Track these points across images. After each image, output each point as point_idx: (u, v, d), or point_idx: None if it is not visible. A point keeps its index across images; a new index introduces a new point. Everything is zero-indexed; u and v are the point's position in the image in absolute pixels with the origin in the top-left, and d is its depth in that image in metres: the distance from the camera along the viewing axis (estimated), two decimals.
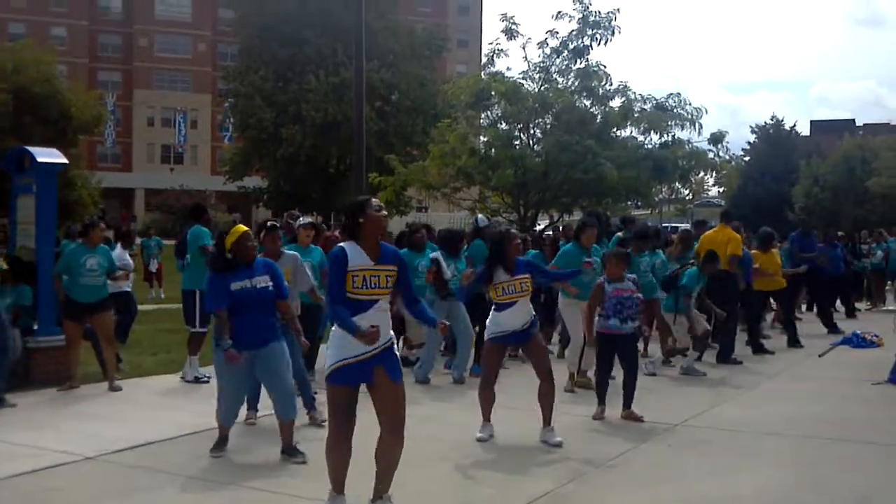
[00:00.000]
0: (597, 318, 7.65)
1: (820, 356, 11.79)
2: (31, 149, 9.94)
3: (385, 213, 4.93)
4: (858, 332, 12.97)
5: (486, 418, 6.91)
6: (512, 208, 18.89)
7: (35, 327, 9.09)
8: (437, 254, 9.80)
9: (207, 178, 58.76)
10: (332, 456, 4.89)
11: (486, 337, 6.95)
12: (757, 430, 7.36)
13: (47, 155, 9.86)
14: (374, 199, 4.98)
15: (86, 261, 8.82)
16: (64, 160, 10.30)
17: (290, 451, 6.16)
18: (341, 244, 4.86)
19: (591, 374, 8.77)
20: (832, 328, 14.12)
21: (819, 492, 5.68)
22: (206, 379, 8.77)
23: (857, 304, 18.82)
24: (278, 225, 7.76)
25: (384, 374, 4.81)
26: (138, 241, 20.24)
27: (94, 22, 65.86)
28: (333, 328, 4.85)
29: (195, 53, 67.35)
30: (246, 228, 6.23)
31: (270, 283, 6.18)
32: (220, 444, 6.35)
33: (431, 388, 9.10)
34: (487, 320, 6.98)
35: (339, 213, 34.77)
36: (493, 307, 6.90)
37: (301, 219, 9.36)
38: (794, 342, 12.61)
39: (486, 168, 17.63)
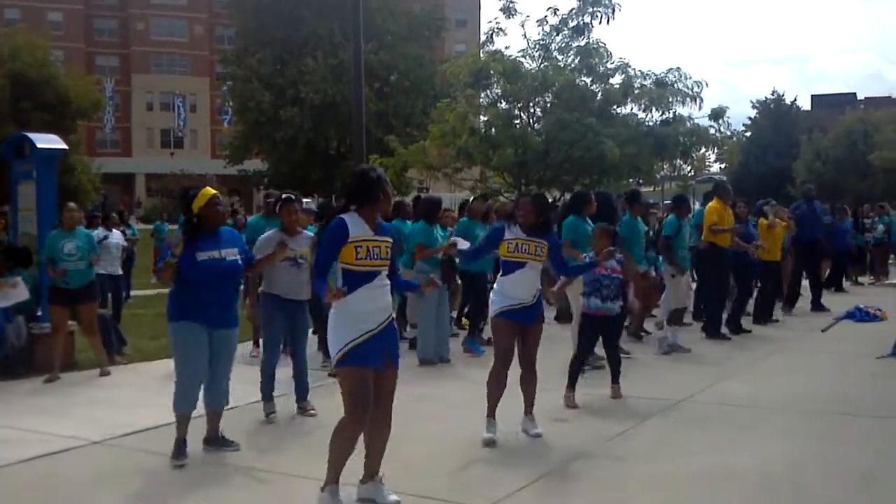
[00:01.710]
0: (590, 300, 7.44)
1: (823, 331, 11.80)
2: (30, 135, 9.94)
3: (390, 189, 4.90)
4: (861, 305, 12.98)
5: (492, 413, 6.20)
6: (513, 188, 18.82)
7: (38, 314, 9.11)
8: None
9: (208, 162, 58.67)
10: (341, 446, 4.69)
11: (492, 312, 6.29)
12: (760, 405, 7.38)
13: (47, 141, 9.86)
14: (381, 171, 4.92)
15: (63, 245, 8.64)
16: (63, 146, 10.31)
17: (220, 442, 5.91)
18: (341, 216, 4.73)
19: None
20: (818, 305, 13.75)
21: (824, 467, 5.69)
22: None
23: (859, 279, 18.87)
24: (294, 197, 7.24)
25: (390, 361, 4.77)
26: (147, 226, 20.27)
27: (89, 6, 65.57)
28: (332, 312, 4.72)
29: (192, 36, 67.09)
30: (215, 191, 5.82)
31: (239, 257, 5.81)
32: (181, 447, 5.69)
33: (435, 367, 9.13)
34: (492, 292, 6.49)
35: (340, 194, 34.79)
36: (499, 273, 6.42)
37: (306, 202, 9.22)
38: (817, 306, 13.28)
39: (487, 148, 17.54)
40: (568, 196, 19.62)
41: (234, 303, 5.96)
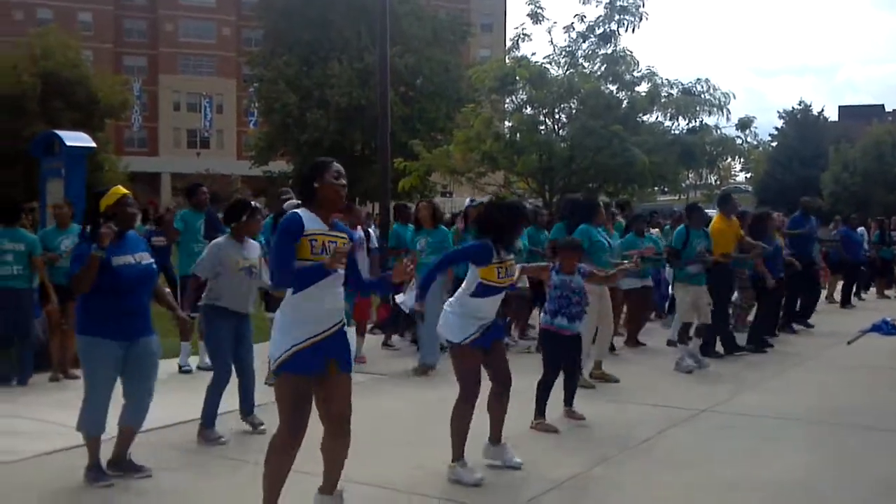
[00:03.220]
0: (546, 315, 6.86)
1: (849, 343, 11.65)
2: (59, 133, 10.06)
3: (344, 182, 4.45)
4: (889, 318, 12.81)
5: (461, 454, 5.44)
6: (537, 193, 18.80)
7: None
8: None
9: (233, 163, 59.04)
10: (279, 461, 4.32)
11: (456, 338, 5.48)
12: (782, 416, 7.32)
13: (76, 139, 10.01)
14: (335, 165, 4.48)
15: (60, 242, 8.51)
16: (92, 144, 10.45)
17: (129, 466, 5.42)
18: (296, 210, 4.44)
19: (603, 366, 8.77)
20: (788, 326, 12.75)
21: (843, 477, 5.65)
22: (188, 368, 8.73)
23: (885, 291, 18.67)
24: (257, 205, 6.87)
25: (336, 365, 4.38)
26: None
27: (119, 7, 66.25)
28: (278, 314, 4.39)
29: (220, 38, 67.58)
30: (126, 191, 5.33)
31: (153, 261, 5.42)
32: (98, 470, 5.28)
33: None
34: (449, 313, 5.57)
35: (364, 197, 34.91)
36: (469, 294, 5.54)
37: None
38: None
39: (512, 153, 17.54)
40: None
41: (150, 310, 5.47)
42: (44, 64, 27.28)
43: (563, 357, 6.88)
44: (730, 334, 10.67)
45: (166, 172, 62.67)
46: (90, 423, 5.24)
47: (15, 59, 27.98)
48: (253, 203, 6.79)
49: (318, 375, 4.31)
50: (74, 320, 7.15)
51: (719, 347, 10.40)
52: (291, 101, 37.03)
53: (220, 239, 6.53)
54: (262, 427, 6.40)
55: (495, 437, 5.73)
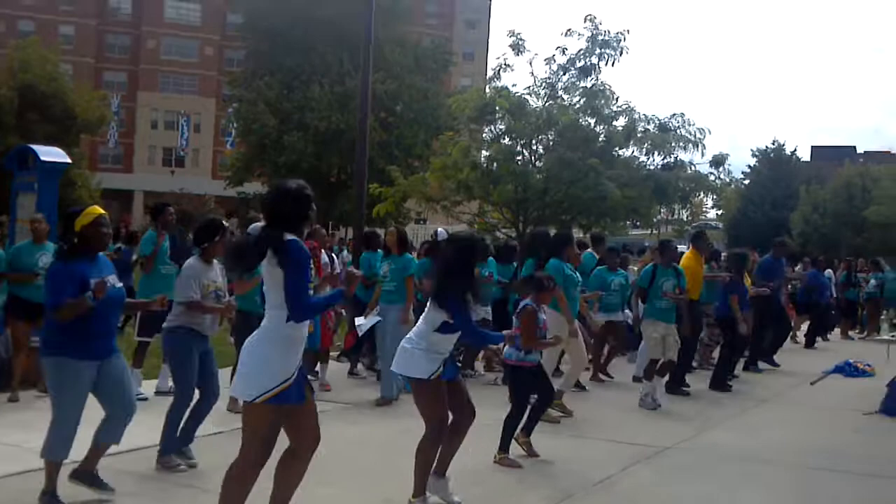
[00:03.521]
0: (512, 350, 6.73)
1: (812, 384, 11.80)
2: (34, 147, 10.00)
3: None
4: (851, 360, 12.98)
5: (423, 490, 5.41)
6: (511, 224, 18.89)
7: None
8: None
9: (208, 182, 58.73)
10: (239, 490, 4.29)
11: (421, 373, 5.37)
12: (746, 456, 7.35)
13: (51, 154, 9.94)
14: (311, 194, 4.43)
15: (38, 258, 8.22)
16: (67, 159, 10.38)
17: (94, 481, 5.35)
18: (294, 237, 4.28)
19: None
20: (752, 364, 12.75)
21: None
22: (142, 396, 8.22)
23: (849, 333, 18.90)
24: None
25: (308, 391, 4.43)
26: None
27: (102, 22, 66.05)
28: (258, 343, 4.29)
29: (202, 57, 67.50)
30: (103, 212, 5.28)
31: (120, 283, 5.42)
32: (52, 496, 5.14)
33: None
34: (411, 348, 5.45)
35: (339, 222, 34.86)
36: (433, 329, 5.43)
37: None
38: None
39: (487, 182, 17.61)
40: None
41: (116, 327, 5.52)
42: (22, 76, 27.13)
43: (531, 389, 6.86)
44: (682, 372, 10.49)
45: (140, 190, 62.24)
46: (57, 448, 5.14)
47: None
48: (225, 224, 6.74)
49: (298, 403, 4.29)
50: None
51: (687, 385, 10.46)
52: (270, 122, 37.01)
53: (191, 261, 6.42)
54: (194, 462, 6.22)
55: (441, 470, 5.55)
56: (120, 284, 5.35)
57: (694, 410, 9.44)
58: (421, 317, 5.60)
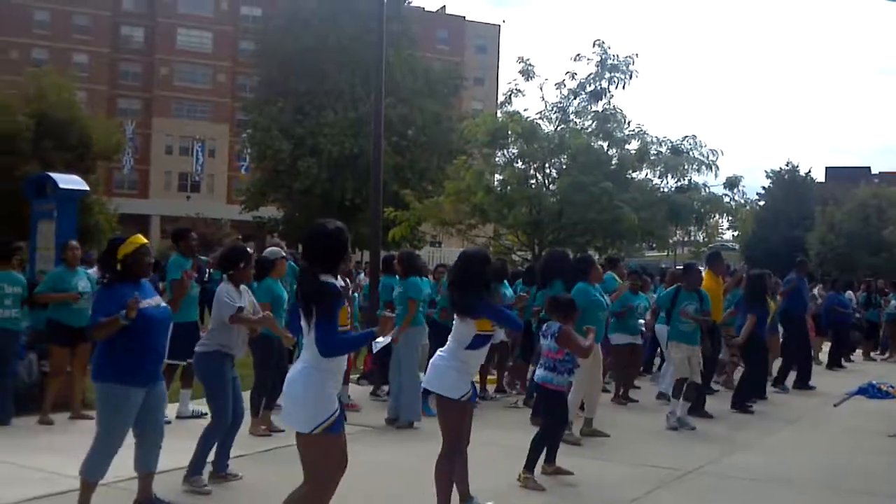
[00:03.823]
0: (547, 373, 6.82)
1: (835, 405, 11.68)
2: (53, 175, 10.07)
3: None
4: (875, 381, 12.86)
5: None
6: (526, 247, 18.90)
7: None
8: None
9: (223, 207, 59.05)
10: None
11: (452, 393, 5.44)
12: (770, 479, 7.28)
13: (69, 182, 10.00)
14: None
15: (76, 283, 8.48)
16: (85, 187, 10.44)
17: (155, 502, 5.58)
18: (329, 279, 4.49)
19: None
20: (780, 383, 12.85)
21: None
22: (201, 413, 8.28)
23: (871, 354, 18.74)
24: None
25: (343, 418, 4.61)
26: None
27: (115, 50, 66.73)
28: (313, 369, 4.41)
29: (215, 84, 68.07)
30: (145, 241, 5.50)
31: (165, 304, 5.59)
32: None
33: None
34: (443, 367, 5.50)
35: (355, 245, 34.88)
36: (465, 347, 5.49)
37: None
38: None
39: (502, 206, 17.67)
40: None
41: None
42: (38, 104, 27.36)
43: (565, 412, 7.00)
44: (703, 394, 10.39)
45: (156, 215, 62.62)
46: (96, 469, 5.26)
47: (9, 99, 28.09)
48: (250, 250, 6.91)
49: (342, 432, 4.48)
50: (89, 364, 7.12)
51: (709, 408, 10.37)
52: (284, 148, 37.20)
53: (222, 284, 6.53)
54: (240, 476, 6.39)
55: (465, 492, 5.68)
56: (165, 305, 5.49)
57: (717, 433, 9.35)
58: (450, 336, 5.62)
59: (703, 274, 10.87)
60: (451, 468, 5.49)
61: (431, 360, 5.68)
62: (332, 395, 4.42)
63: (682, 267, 11.41)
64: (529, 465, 6.64)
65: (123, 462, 6.56)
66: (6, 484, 6.12)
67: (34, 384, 8.76)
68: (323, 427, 4.34)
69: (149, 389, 5.32)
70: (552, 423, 6.87)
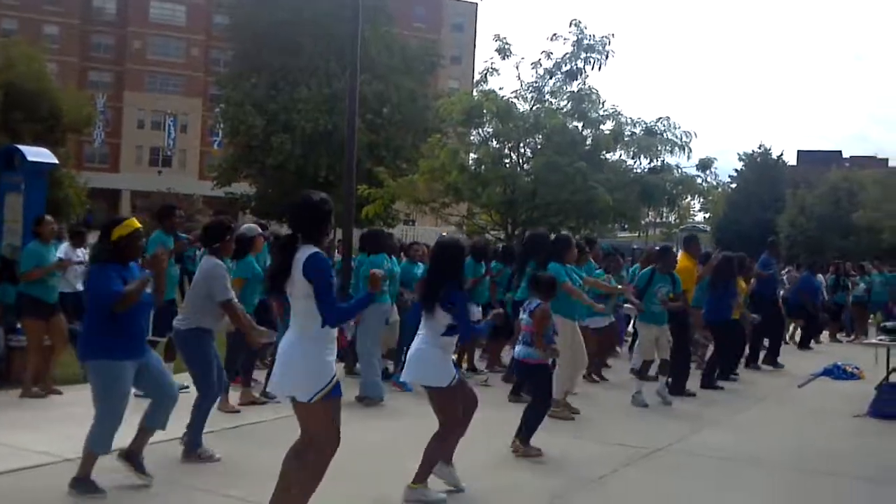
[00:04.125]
0: (525, 348, 6.97)
1: (800, 386, 11.85)
2: (21, 147, 9.92)
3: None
4: (840, 363, 13.05)
5: (425, 479, 5.64)
6: (500, 226, 18.92)
7: (18, 326, 9.02)
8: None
9: (195, 183, 58.54)
10: (317, 480, 4.61)
11: (445, 384, 5.63)
12: (735, 457, 7.38)
13: (38, 154, 9.85)
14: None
15: (52, 258, 8.56)
16: (54, 160, 10.29)
17: (138, 464, 5.67)
18: (318, 250, 4.58)
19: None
20: (753, 362, 13.28)
21: None
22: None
23: (837, 336, 19.01)
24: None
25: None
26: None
27: (87, 21, 65.70)
28: (298, 345, 4.54)
29: (188, 57, 67.28)
30: (139, 225, 5.64)
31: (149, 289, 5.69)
32: (88, 482, 5.42)
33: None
34: (432, 355, 5.67)
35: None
36: (441, 334, 5.67)
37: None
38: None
39: (476, 185, 17.66)
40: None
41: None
42: (6, 75, 26.93)
43: (549, 384, 7.15)
44: (684, 376, 10.64)
45: (127, 189, 61.98)
46: (102, 442, 5.42)
47: None
48: (232, 224, 6.95)
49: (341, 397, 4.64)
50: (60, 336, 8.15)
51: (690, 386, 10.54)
52: (257, 123, 36.86)
53: (213, 260, 6.51)
54: (218, 457, 6.37)
55: (448, 457, 5.82)
56: (149, 290, 5.57)
57: (686, 411, 9.47)
58: (422, 323, 5.72)
59: (679, 256, 11.00)
60: (444, 448, 5.67)
61: (411, 352, 5.82)
62: (330, 362, 4.55)
63: (658, 248, 11.49)
64: (524, 437, 6.84)
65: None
66: None
67: (1, 358, 8.68)
68: (323, 393, 4.47)
69: (140, 361, 5.51)
70: (538, 396, 7.03)
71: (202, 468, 6.17)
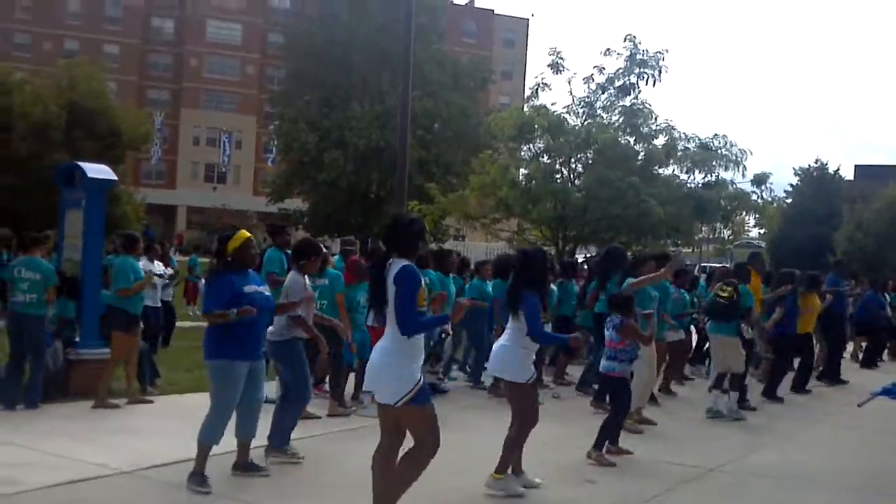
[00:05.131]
0: (609, 362, 7.36)
1: (859, 406, 11.49)
2: (82, 164, 10.11)
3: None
4: None
5: (507, 468, 6.16)
6: (550, 242, 18.85)
7: (77, 339, 9.21)
8: None
9: (249, 199, 59.40)
10: (415, 477, 4.95)
11: (520, 379, 6.08)
12: (795, 479, 7.23)
13: (98, 171, 10.01)
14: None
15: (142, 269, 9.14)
16: (113, 177, 10.45)
17: (250, 467, 6.21)
18: (409, 263, 4.93)
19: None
20: (836, 379, 13.39)
21: None
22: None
23: None
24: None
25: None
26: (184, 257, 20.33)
27: (146, 41, 67.23)
28: (393, 347, 4.86)
29: (243, 76, 68.39)
30: (250, 235, 6.12)
31: (269, 293, 6.22)
32: (202, 476, 5.83)
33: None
34: (513, 353, 6.12)
35: (378, 237, 34.96)
36: (526, 334, 6.10)
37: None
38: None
39: (527, 200, 17.64)
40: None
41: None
42: (69, 94, 27.63)
43: (629, 397, 7.50)
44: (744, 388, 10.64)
45: (183, 205, 63.10)
46: (213, 435, 5.87)
47: (42, 89, 28.38)
48: (323, 246, 7.67)
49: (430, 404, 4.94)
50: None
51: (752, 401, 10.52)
52: (310, 140, 37.30)
53: (293, 275, 7.07)
54: (302, 457, 6.70)
55: (518, 468, 6.20)
56: (269, 293, 6.14)
57: (744, 430, 9.31)
58: (509, 323, 6.20)
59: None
60: (521, 443, 6.10)
61: (495, 348, 6.30)
62: (413, 370, 4.83)
63: (729, 266, 11.63)
64: (598, 445, 7.16)
65: (144, 449, 6.69)
66: (31, 470, 6.18)
67: (59, 371, 8.85)
68: (405, 399, 4.77)
69: (251, 364, 5.93)
70: (616, 408, 7.39)
71: (256, 481, 6.22)
